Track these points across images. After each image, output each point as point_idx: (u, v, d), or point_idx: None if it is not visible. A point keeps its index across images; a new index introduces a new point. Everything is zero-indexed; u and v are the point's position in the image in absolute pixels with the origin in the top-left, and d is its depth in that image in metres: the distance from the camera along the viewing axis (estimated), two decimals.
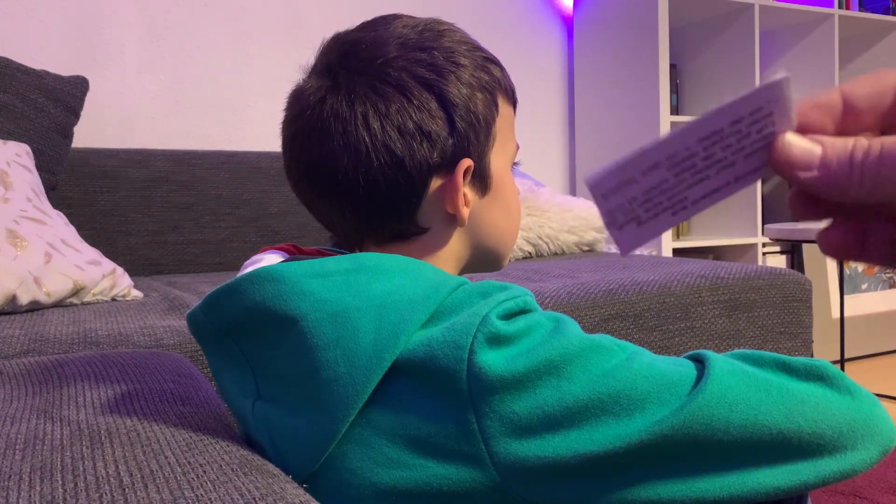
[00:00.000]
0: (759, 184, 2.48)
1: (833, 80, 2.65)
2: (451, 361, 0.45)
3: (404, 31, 0.56)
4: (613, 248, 2.11)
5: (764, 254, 2.57)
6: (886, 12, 2.90)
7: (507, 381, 0.44)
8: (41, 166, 1.47)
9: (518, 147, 0.63)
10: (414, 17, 0.58)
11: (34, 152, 1.45)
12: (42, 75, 1.56)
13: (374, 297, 0.47)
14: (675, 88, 2.64)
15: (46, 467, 0.41)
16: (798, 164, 0.30)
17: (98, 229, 1.68)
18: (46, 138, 1.52)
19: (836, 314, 2.56)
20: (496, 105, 0.58)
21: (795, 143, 0.30)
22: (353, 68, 0.54)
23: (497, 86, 0.58)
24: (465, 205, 0.57)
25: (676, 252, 2.41)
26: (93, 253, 1.26)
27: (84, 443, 0.45)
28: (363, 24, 0.58)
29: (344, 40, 0.57)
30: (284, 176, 0.60)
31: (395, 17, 0.58)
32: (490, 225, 0.60)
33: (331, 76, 0.55)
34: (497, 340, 0.45)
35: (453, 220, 0.57)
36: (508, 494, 0.46)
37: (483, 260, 0.62)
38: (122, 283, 1.26)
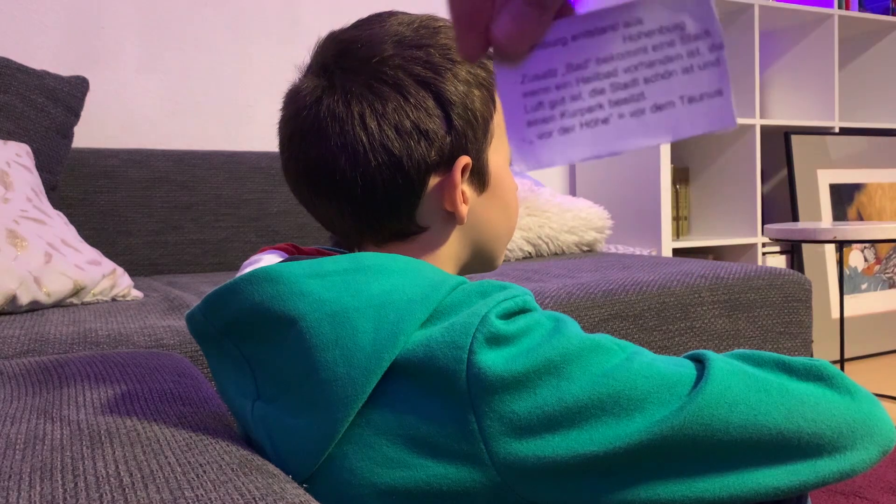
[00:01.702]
0: (759, 184, 2.48)
1: (833, 81, 2.65)
2: (450, 361, 0.45)
3: (400, 29, 0.55)
4: (613, 248, 2.11)
5: (764, 254, 2.57)
6: (886, 12, 2.90)
7: (507, 380, 0.44)
8: (41, 166, 1.47)
9: None
10: (409, 14, 0.58)
11: (34, 152, 1.45)
12: (42, 75, 1.56)
13: (372, 297, 0.47)
14: None
15: (46, 467, 0.41)
16: None
17: (98, 229, 1.68)
18: (46, 138, 1.52)
19: (835, 314, 2.56)
20: (493, 101, 0.58)
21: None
22: (349, 67, 0.54)
23: (494, 82, 0.58)
24: (464, 202, 0.57)
25: (676, 252, 2.41)
26: (93, 253, 1.26)
27: (84, 443, 0.45)
28: (358, 21, 0.58)
29: (339, 39, 0.56)
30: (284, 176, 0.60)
31: (390, 14, 0.58)
32: (488, 222, 0.60)
33: (326, 76, 0.55)
34: (496, 340, 0.45)
35: (452, 218, 0.57)
36: (508, 494, 0.46)
37: (481, 258, 0.62)
38: (122, 283, 1.26)
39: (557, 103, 0.30)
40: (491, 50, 0.30)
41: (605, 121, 0.30)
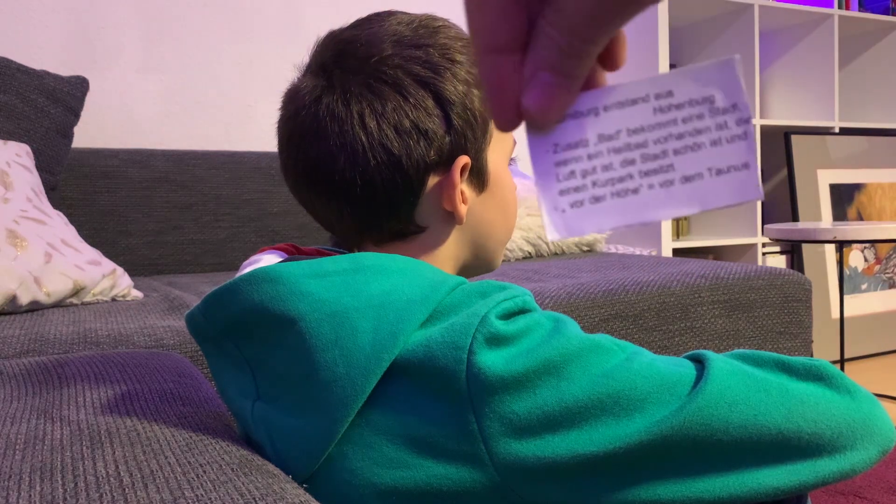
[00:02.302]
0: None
1: (833, 81, 2.65)
2: (450, 362, 0.45)
3: (399, 28, 0.55)
4: (613, 248, 2.11)
5: (764, 254, 2.57)
6: (886, 12, 2.90)
7: (507, 381, 0.44)
8: (41, 166, 1.47)
9: (515, 143, 0.63)
10: (408, 14, 0.58)
11: (34, 152, 1.45)
12: (42, 75, 1.56)
13: (372, 297, 0.47)
14: None
15: (46, 467, 0.41)
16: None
17: (98, 229, 1.68)
18: (46, 138, 1.52)
19: (836, 314, 2.56)
20: None
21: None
22: (348, 67, 0.54)
23: None
24: (463, 202, 0.57)
25: (676, 252, 2.41)
26: (93, 253, 1.26)
27: (84, 443, 0.45)
28: (357, 21, 0.58)
29: (338, 39, 0.56)
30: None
31: (389, 13, 0.58)
32: (487, 222, 0.60)
33: (326, 75, 0.55)
34: (496, 341, 0.45)
35: (451, 217, 0.57)
36: (508, 494, 0.46)
37: (480, 259, 0.62)
38: (122, 283, 1.26)
39: (589, 172, 0.31)
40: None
41: (636, 191, 0.31)
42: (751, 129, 0.30)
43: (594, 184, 0.31)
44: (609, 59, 0.30)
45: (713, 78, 0.30)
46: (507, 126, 0.29)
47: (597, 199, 0.31)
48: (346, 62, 0.54)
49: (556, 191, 0.31)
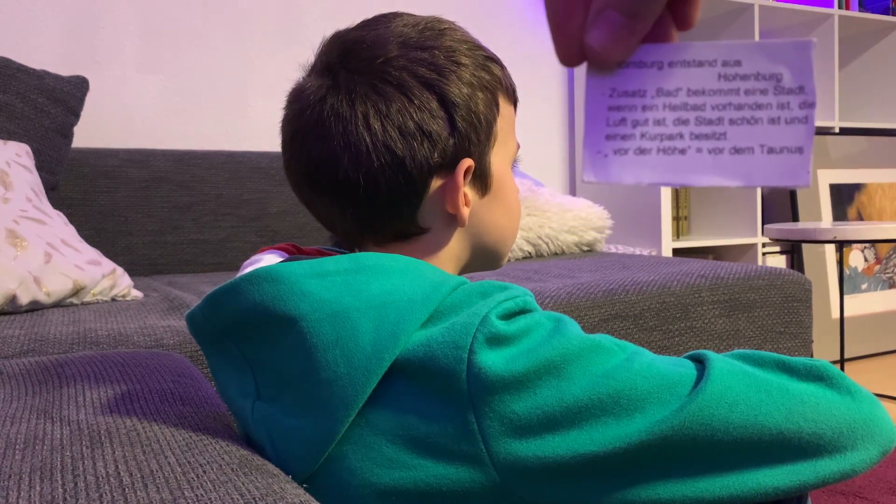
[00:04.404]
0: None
1: (833, 81, 2.65)
2: (450, 362, 0.45)
3: (405, 30, 0.56)
4: (613, 248, 2.11)
5: (764, 254, 2.57)
6: (886, 12, 2.90)
7: (507, 381, 0.44)
8: (41, 166, 1.47)
9: (518, 146, 0.63)
10: (414, 16, 0.58)
11: (34, 152, 1.45)
12: (42, 75, 1.56)
13: (373, 297, 0.47)
14: None
15: (46, 467, 0.41)
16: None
17: (98, 229, 1.68)
18: (46, 138, 1.52)
19: (836, 314, 2.56)
20: (497, 104, 0.58)
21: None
22: (354, 68, 0.54)
23: (498, 85, 0.58)
24: (466, 204, 0.57)
25: (676, 252, 2.41)
26: (93, 253, 1.26)
27: (84, 443, 0.45)
28: (363, 22, 0.58)
29: (344, 39, 0.56)
30: (284, 176, 0.60)
31: (395, 15, 0.58)
32: (490, 224, 0.60)
33: (331, 75, 0.55)
34: (497, 340, 0.45)
35: (454, 219, 0.57)
36: (508, 495, 0.46)
37: (483, 259, 0.62)
38: (121, 283, 1.26)
39: (640, 123, 0.31)
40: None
41: (683, 151, 0.30)
42: (812, 115, 0.30)
43: (643, 136, 0.31)
44: (681, 17, 0.29)
45: (786, 56, 0.30)
46: (568, 61, 0.29)
47: (642, 151, 0.31)
48: (351, 63, 0.55)
49: (603, 134, 0.31)
